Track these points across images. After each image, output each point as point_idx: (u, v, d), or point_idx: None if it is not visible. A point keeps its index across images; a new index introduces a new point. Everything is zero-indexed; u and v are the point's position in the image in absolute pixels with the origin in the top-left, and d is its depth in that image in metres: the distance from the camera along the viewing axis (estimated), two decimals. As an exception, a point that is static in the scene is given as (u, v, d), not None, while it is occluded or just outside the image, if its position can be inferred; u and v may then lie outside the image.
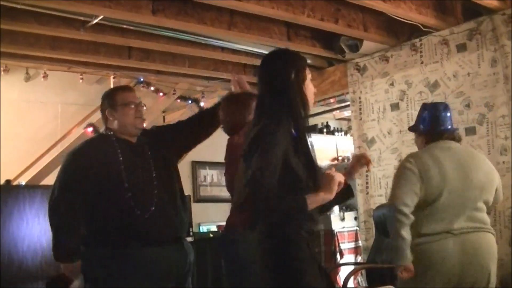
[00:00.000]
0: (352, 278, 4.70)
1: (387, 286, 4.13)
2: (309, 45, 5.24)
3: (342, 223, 6.60)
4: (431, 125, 3.38)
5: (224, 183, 3.60)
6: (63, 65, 5.75)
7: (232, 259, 3.30)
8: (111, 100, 3.15)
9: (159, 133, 3.42)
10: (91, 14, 4.30)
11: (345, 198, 2.57)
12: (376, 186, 5.43)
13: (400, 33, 5.18)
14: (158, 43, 5.09)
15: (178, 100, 7.07)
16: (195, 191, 7.42)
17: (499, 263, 4.24)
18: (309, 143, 2.37)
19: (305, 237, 2.27)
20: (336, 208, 6.52)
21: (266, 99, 2.37)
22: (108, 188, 2.99)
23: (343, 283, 4.51)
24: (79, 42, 5.09)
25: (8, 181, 5.71)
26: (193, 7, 4.42)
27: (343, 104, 7.05)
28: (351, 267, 5.10)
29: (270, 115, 2.31)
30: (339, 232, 6.45)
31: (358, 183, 5.53)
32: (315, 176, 2.30)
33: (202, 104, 6.95)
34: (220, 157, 3.46)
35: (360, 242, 6.36)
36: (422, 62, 5.09)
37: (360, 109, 5.64)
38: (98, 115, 6.40)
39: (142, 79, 6.48)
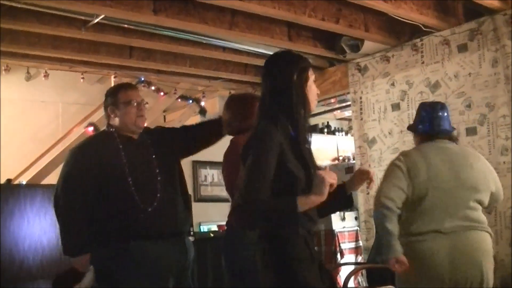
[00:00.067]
0: (352, 278, 4.70)
1: (387, 286, 4.12)
2: (310, 45, 5.24)
3: (343, 223, 6.60)
4: (427, 125, 3.39)
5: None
6: (64, 65, 5.75)
7: (232, 259, 3.30)
8: (114, 98, 3.20)
9: (162, 133, 3.46)
10: (92, 14, 4.30)
11: (344, 206, 2.58)
12: (376, 186, 5.42)
13: (401, 33, 5.18)
14: (159, 42, 5.09)
15: (179, 100, 7.07)
16: (196, 191, 7.42)
17: (499, 263, 4.26)
18: (306, 145, 2.36)
19: (303, 236, 2.27)
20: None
21: (267, 99, 2.38)
22: (111, 183, 3.04)
23: (344, 283, 4.51)
24: (80, 41, 5.09)
25: (9, 180, 5.71)
26: (195, 6, 4.42)
27: (344, 104, 7.05)
28: (352, 267, 5.10)
29: (268, 115, 2.32)
30: (339, 232, 6.46)
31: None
32: (309, 178, 2.28)
33: (203, 103, 6.95)
34: (221, 157, 3.46)
35: (360, 242, 6.37)
36: (423, 62, 5.09)
37: (361, 109, 5.64)
38: (99, 115, 6.45)
39: (143, 79, 6.48)
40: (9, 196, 5.10)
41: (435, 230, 3.14)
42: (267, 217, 2.17)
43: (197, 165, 7.44)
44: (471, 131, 4.67)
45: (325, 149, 8.08)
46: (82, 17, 4.43)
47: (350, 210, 6.69)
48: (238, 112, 3.36)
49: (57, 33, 4.78)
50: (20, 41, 4.85)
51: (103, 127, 6.01)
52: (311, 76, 2.42)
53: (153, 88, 6.67)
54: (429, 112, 3.41)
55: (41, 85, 6.24)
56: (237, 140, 3.33)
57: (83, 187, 3.02)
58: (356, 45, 5.37)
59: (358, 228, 6.36)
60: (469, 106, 4.70)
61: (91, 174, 3.03)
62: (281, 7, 4.30)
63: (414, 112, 3.71)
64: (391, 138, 5.30)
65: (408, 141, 4.99)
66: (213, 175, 7.72)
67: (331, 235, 6.39)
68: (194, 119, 7.03)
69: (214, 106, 7.15)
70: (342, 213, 6.62)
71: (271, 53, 2.64)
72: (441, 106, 3.47)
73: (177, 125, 6.72)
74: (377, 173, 5.35)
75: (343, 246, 6.41)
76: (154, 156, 3.20)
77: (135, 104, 3.18)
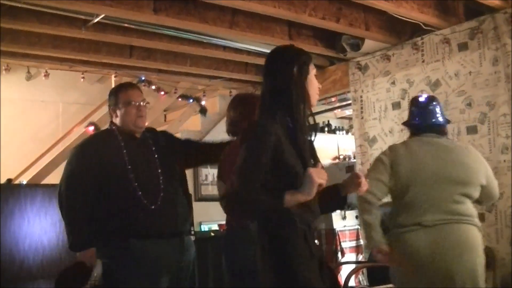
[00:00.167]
0: (353, 277, 4.70)
1: (388, 285, 4.12)
2: (311, 44, 5.24)
3: (343, 222, 6.60)
4: (416, 119, 3.40)
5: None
6: (65, 64, 5.75)
7: (232, 259, 3.30)
8: (115, 98, 3.27)
9: (166, 137, 3.51)
10: (93, 13, 4.30)
11: (337, 207, 2.58)
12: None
13: (402, 32, 5.18)
14: (160, 42, 5.09)
15: (180, 99, 7.07)
16: (197, 190, 7.40)
17: (500, 262, 4.26)
18: (305, 138, 2.36)
19: (302, 231, 2.26)
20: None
21: (267, 94, 2.38)
22: (113, 180, 3.08)
23: (344, 282, 4.52)
24: (80, 41, 5.09)
25: (9, 180, 5.71)
26: (195, 6, 4.42)
27: (344, 103, 7.05)
28: (352, 266, 5.10)
29: (267, 109, 2.33)
30: (340, 231, 6.46)
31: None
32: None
33: (203, 103, 6.95)
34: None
35: (361, 241, 6.38)
36: (423, 61, 5.08)
37: (361, 108, 5.64)
38: (99, 114, 6.46)
39: (143, 78, 6.48)
40: (10, 196, 5.09)
41: (416, 223, 3.14)
42: (253, 208, 2.18)
43: (197, 164, 7.43)
44: (471, 130, 4.67)
45: (326, 148, 8.07)
46: (82, 17, 4.43)
47: (351, 209, 6.69)
48: (242, 112, 3.35)
49: (58, 33, 4.78)
50: (21, 40, 4.85)
51: (103, 127, 6.05)
52: (312, 70, 2.41)
53: (153, 87, 6.67)
54: (417, 107, 3.42)
55: (41, 84, 6.24)
56: (237, 143, 3.33)
57: (86, 184, 3.06)
58: (356, 44, 5.37)
59: (359, 227, 6.36)
60: (469, 104, 4.70)
61: (94, 171, 3.07)
62: (281, 6, 4.30)
63: (415, 111, 3.71)
64: (392, 136, 5.30)
65: (408, 140, 4.99)
66: (213, 175, 7.68)
67: (331, 234, 6.39)
68: (195, 118, 7.03)
69: (214, 105, 7.15)
70: (343, 212, 6.62)
71: (272, 52, 2.64)
72: (429, 100, 3.44)
73: (178, 124, 6.77)
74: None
75: (344, 245, 6.41)
76: (156, 155, 3.24)
77: (135, 104, 3.22)
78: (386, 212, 3.34)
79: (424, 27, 4.89)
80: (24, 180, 5.91)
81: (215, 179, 7.63)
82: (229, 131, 3.42)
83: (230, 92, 7.02)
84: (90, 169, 3.07)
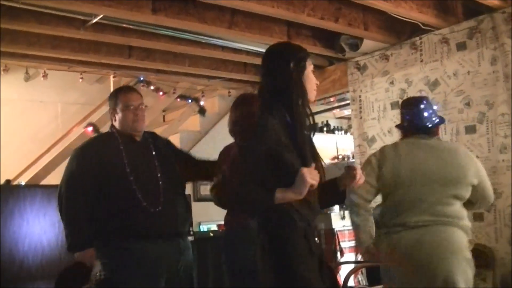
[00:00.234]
0: (352, 276, 4.70)
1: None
2: (310, 44, 5.24)
3: (343, 221, 6.59)
4: (405, 121, 3.40)
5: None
6: (63, 65, 5.75)
7: (232, 259, 3.31)
8: (114, 102, 3.31)
9: (167, 143, 3.54)
10: (91, 13, 4.30)
11: (336, 202, 2.57)
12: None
13: (401, 31, 5.18)
14: (159, 42, 5.09)
15: (179, 99, 7.07)
16: (195, 190, 7.39)
17: (499, 261, 4.27)
18: (305, 135, 2.36)
19: (302, 228, 2.26)
20: (336, 207, 6.53)
21: (265, 88, 2.40)
22: (113, 182, 3.11)
23: (344, 281, 4.52)
24: (79, 41, 5.09)
25: (8, 181, 5.71)
26: (194, 6, 4.42)
27: (343, 103, 7.06)
28: (352, 266, 5.10)
29: (265, 106, 2.34)
30: (339, 231, 6.45)
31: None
32: (306, 166, 2.27)
33: (202, 103, 6.95)
34: (222, 155, 3.46)
35: (360, 241, 6.36)
36: (422, 61, 5.09)
37: (360, 107, 5.64)
38: (98, 115, 6.45)
39: (142, 78, 6.49)
40: (9, 197, 5.10)
41: (400, 223, 3.15)
42: (242, 198, 2.19)
43: (196, 164, 7.43)
44: (470, 129, 4.68)
45: (325, 148, 8.07)
46: (81, 17, 4.42)
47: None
48: (245, 112, 3.33)
49: (56, 33, 4.78)
50: (19, 41, 4.85)
51: (102, 127, 6.06)
52: (309, 66, 2.42)
53: (152, 87, 6.67)
54: (406, 109, 3.41)
55: (40, 85, 6.24)
56: (234, 144, 3.33)
57: (86, 186, 3.10)
58: (355, 44, 5.38)
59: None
60: (468, 104, 4.71)
61: (94, 173, 3.10)
62: (280, 6, 4.30)
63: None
64: (391, 136, 5.29)
65: (407, 139, 5.00)
66: (213, 175, 7.70)
67: (331, 234, 6.39)
68: (194, 118, 7.03)
69: (213, 105, 7.15)
70: (341, 212, 6.62)
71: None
72: (417, 101, 3.42)
73: (177, 124, 6.77)
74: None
75: (343, 245, 6.40)
76: (155, 158, 3.27)
77: (133, 108, 3.26)
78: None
79: (422, 27, 4.89)
80: (23, 181, 5.91)
81: (214, 179, 7.70)
82: (231, 131, 3.41)
83: (229, 92, 7.02)
84: (90, 171, 3.10)
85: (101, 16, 4.32)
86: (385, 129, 5.38)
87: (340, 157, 8.22)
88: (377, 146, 5.41)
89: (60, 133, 6.57)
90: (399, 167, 3.22)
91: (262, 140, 2.21)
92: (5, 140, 6.07)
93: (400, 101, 5.19)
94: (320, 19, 4.57)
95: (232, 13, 4.62)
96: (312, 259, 2.27)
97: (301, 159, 2.28)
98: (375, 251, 3.22)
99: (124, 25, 4.65)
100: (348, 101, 6.22)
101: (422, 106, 3.35)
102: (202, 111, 6.96)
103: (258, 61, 5.65)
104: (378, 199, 3.38)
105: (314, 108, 6.95)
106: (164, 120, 7.91)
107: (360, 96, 5.65)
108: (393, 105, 5.30)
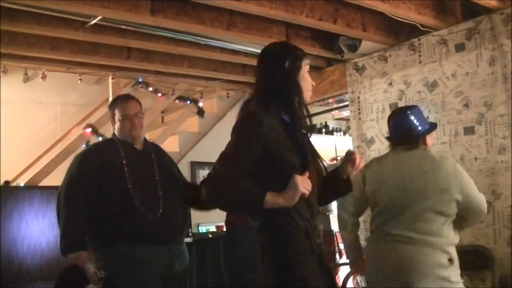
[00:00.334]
0: (351, 278, 4.70)
1: (386, 286, 4.12)
2: (308, 45, 5.24)
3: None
4: (390, 133, 3.38)
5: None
6: (62, 66, 5.75)
7: (232, 259, 3.31)
8: (112, 111, 3.41)
9: (167, 156, 3.59)
10: (90, 15, 4.30)
11: (344, 191, 2.57)
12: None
13: (399, 33, 5.19)
14: (157, 43, 5.09)
15: (177, 101, 7.07)
16: (195, 192, 7.41)
17: (498, 262, 4.27)
18: (302, 131, 2.36)
19: (302, 228, 2.26)
20: (335, 208, 6.53)
21: (260, 86, 2.40)
22: (112, 188, 3.15)
23: (343, 283, 4.51)
24: (78, 42, 5.09)
25: (7, 182, 5.70)
26: (192, 7, 4.42)
27: (342, 104, 7.05)
28: (351, 267, 5.09)
29: (260, 101, 2.35)
30: (338, 232, 6.45)
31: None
32: (306, 163, 2.28)
33: (201, 104, 6.95)
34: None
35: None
36: (420, 62, 5.09)
37: (359, 109, 5.65)
38: (97, 116, 6.45)
39: (141, 80, 6.49)
40: (8, 198, 5.09)
41: (385, 232, 3.15)
42: (232, 201, 2.18)
43: (195, 165, 7.42)
44: (469, 131, 4.68)
45: (323, 149, 8.07)
46: (80, 19, 4.43)
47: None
48: None
49: (55, 35, 4.78)
50: (18, 42, 4.85)
51: (101, 128, 6.06)
52: (305, 66, 2.42)
53: (151, 89, 6.67)
54: (390, 121, 3.38)
55: (39, 86, 6.24)
56: None
57: (84, 190, 3.14)
58: (354, 45, 5.38)
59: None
60: (466, 105, 4.71)
61: (93, 178, 3.16)
62: (278, 7, 4.31)
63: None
64: (390, 137, 5.30)
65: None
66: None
67: (329, 235, 6.39)
68: (193, 120, 7.03)
69: (212, 106, 7.15)
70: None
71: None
72: (400, 113, 3.35)
73: (175, 125, 6.76)
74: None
75: (341, 246, 6.40)
76: (155, 166, 3.33)
77: (129, 117, 3.33)
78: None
79: (421, 28, 4.90)
80: (21, 182, 5.91)
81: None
82: None
83: (228, 93, 7.03)
84: (90, 177, 3.16)
85: (100, 17, 4.32)
86: (383, 130, 5.37)
87: (339, 158, 8.21)
88: (376, 147, 5.42)
89: (59, 134, 6.58)
90: (380, 179, 3.24)
91: (253, 132, 2.20)
92: (4, 141, 6.07)
93: (399, 102, 5.24)
94: (318, 20, 4.57)
95: (230, 14, 4.62)
96: (312, 259, 2.27)
97: (301, 158, 2.29)
98: (360, 263, 3.34)
99: (123, 27, 4.66)
100: (346, 102, 6.23)
101: (404, 118, 3.28)
102: (200, 112, 6.96)
103: (256, 62, 5.64)
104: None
105: (313, 109, 6.93)
106: (163, 121, 7.91)
107: (358, 97, 5.65)
108: (392, 106, 5.29)
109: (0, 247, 4.84)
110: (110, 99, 6.15)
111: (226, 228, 3.48)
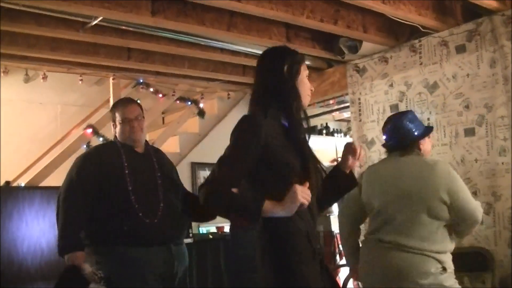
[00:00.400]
0: (351, 279, 4.70)
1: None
2: (309, 46, 5.24)
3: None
4: (385, 139, 3.39)
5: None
6: (63, 66, 5.75)
7: (232, 259, 3.32)
8: (113, 115, 3.43)
9: (169, 163, 3.58)
10: (91, 15, 4.30)
11: (349, 186, 2.57)
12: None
13: (400, 34, 5.18)
14: (158, 44, 5.09)
15: (178, 101, 7.06)
16: (194, 192, 7.41)
17: (498, 263, 4.27)
18: (301, 135, 2.35)
19: (306, 232, 2.26)
20: (335, 209, 6.53)
21: (258, 89, 2.40)
22: (112, 191, 3.17)
23: (343, 284, 4.52)
24: (78, 43, 5.09)
25: (7, 182, 5.71)
26: (193, 8, 4.42)
27: (342, 105, 7.04)
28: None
29: (258, 104, 2.34)
30: (338, 233, 6.45)
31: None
32: (306, 166, 2.28)
33: (201, 105, 6.95)
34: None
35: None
36: (421, 63, 5.09)
37: (359, 110, 5.64)
38: (97, 116, 6.45)
39: (141, 80, 6.49)
40: (8, 198, 5.09)
41: (378, 239, 3.15)
42: (229, 209, 2.18)
43: (196, 166, 7.42)
44: (469, 132, 4.68)
45: (324, 150, 8.07)
46: (81, 19, 4.43)
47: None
48: None
49: (56, 35, 4.79)
50: (19, 43, 4.85)
51: (101, 129, 6.06)
52: (304, 71, 2.42)
53: (151, 89, 6.67)
54: (383, 128, 3.40)
55: (39, 86, 6.23)
56: None
57: (84, 193, 3.16)
58: (354, 46, 5.38)
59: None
60: (467, 107, 4.71)
61: (93, 181, 3.18)
62: (279, 8, 4.30)
63: (413, 113, 3.70)
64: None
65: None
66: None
67: (330, 236, 6.39)
68: (193, 121, 7.03)
69: (212, 107, 7.15)
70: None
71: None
72: (394, 119, 3.37)
73: (176, 126, 6.77)
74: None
75: (342, 247, 6.40)
76: (156, 169, 3.35)
77: (129, 121, 3.34)
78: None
79: (422, 29, 4.89)
80: (22, 182, 5.91)
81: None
82: None
83: (228, 94, 7.02)
84: (90, 179, 3.18)
85: (100, 18, 4.32)
86: (384, 131, 5.37)
87: (339, 159, 8.19)
88: (376, 148, 5.41)
89: (59, 135, 6.58)
90: (374, 186, 3.26)
91: (251, 134, 2.20)
92: (4, 141, 6.08)
93: (400, 103, 5.24)
94: (319, 21, 4.57)
95: (230, 15, 4.62)
96: (313, 260, 2.27)
97: (301, 160, 2.28)
98: (355, 270, 3.41)
99: (123, 27, 4.66)
100: (347, 104, 6.22)
101: (396, 124, 3.30)
102: (201, 113, 6.96)
103: (255, 65, 5.66)
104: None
105: (313, 111, 6.92)
106: (163, 122, 7.91)
107: (359, 99, 5.65)
108: (393, 107, 5.30)
109: (0, 248, 4.84)
110: (111, 99, 6.16)
111: (230, 228, 3.50)
